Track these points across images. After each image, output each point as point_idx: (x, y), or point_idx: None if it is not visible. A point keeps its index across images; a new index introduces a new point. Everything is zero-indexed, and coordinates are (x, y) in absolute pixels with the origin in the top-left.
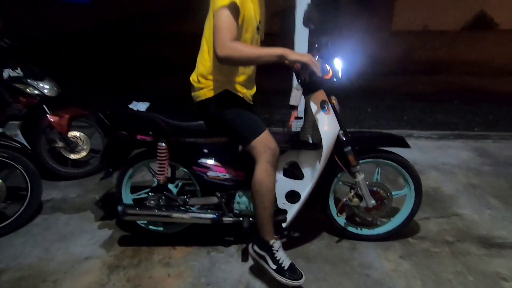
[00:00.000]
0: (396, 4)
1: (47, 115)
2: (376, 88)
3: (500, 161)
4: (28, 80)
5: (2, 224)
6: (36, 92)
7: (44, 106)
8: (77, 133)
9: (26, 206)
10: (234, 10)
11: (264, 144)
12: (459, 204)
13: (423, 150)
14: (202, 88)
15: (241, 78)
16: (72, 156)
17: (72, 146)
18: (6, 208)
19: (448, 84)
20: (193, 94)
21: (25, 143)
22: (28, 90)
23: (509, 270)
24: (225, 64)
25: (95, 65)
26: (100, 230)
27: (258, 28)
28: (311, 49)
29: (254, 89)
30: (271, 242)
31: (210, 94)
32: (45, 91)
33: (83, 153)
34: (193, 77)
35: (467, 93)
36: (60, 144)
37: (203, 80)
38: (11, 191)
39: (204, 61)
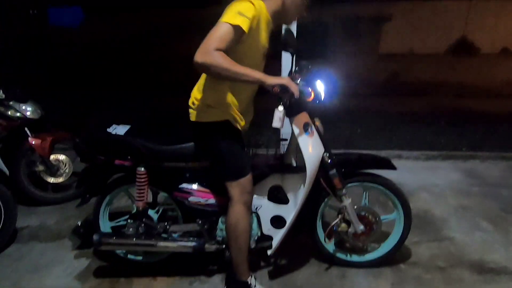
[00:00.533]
0: (383, 28)
1: (28, 138)
2: (365, 109)
3: (489, 182)
4: (10, 103)
5: None
6: (17, 114)
7: (26, 129)
8: (59, 156)
9: None
10: (237, 32)
11: (243, 187)
12: (450, 227)
13: (412, 171)
14: (201, 110)
15: (240, 106)
16: (53, 180)
17: (53, 169)
18: None
19: (434, 105)
20: (190, 111)
21: (3, 167)
22: (9, 113)
23: None
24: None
25: (86, 84)
26: (77, 260)
27: (264, 54)
28: (292, 72)
29: (251, 117)
30: (248, 280)
31: (208, 118)
32: (28, 113)
33: (64, 177)
34: (195, 95)
35: (453, 114)
36: (40, 167)
37: (202, 102)
38: None
39: (208, 83)
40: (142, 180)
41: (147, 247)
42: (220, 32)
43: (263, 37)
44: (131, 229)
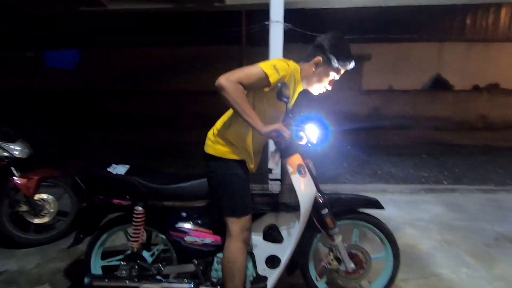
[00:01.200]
0: (364, 66)
1: (14, 178)
2: (350, 144)
3: (470, 215)
4: None
5: None
6: (5, 154)
7: (12, 168)
8: (44, 196)
9: None
10: (264, 79)
11: (243, 225)
12: (436, 263)
13: (398, 206)
14: (220, 144)
15: (255, 148)
16: (36, 221)
17: (37, 209)
18: None
19: (415, 138)
20: (208, 143)
21: None
22: None
23: None
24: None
25: (80, 122)
26: None
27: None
28: (286, 119)
29: (260, 160)
30: None
31: (226, 155)
32: (15, 153)
33: (49, 217)
34: (217, 128)
35: (433, 147)
36: (24, 207)
37: (223, 137)
38: None
39: (233, 120)
40: (139, 219)
41: None
42: (251, 71)
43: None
44: (124, 271)
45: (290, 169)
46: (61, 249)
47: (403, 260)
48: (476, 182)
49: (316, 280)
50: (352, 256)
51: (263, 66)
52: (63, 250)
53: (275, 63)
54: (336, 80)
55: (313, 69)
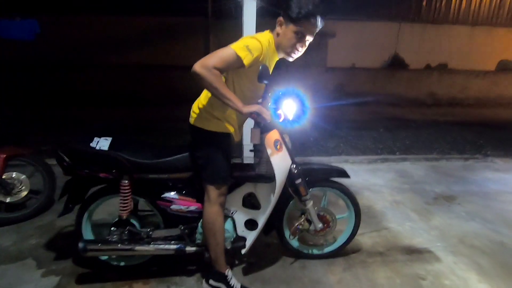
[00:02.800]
0: (329, 44)
1: None
2: (316, 119)
3: (416, 180)
4: None
5: None
6: None
7: None
8: (13, 174)
9: None
10: (238, 61)
11: (221, 191)
12: (387, 219)
13: (357, 174)
14: (205, 118)
15: (238, 122)
16: (8, 199)
17: (8, 188)
18: None
19: (374, 114)
20: (192, 114)
21: None
22: None
23: (425, 271)
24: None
25: (39, 94)
26: (45, 278)
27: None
28: (265, 97)
29: (240, 137)
30: (226, 272)
31: (212, 128)
32: None
33: (21, 195)
34: (201, 102)
35: (389, 122)
36: None
37: (208, 112)
38: None
39: (213, 98)
40: (126, 191)
41: (131, 251)
42: (224, 55)
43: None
44: (115, 236)
45: (268, 143)
46: (36, 226)
47: (361, 218)
48: (422, 152)
49: (289, 238)
50: (320, 217)
51: (236, 48)
52: (40, 227)
53: (248, 43)
54: (302, 58)
55: (278, 32)
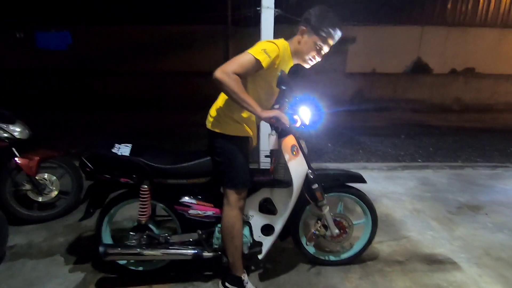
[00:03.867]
0: (349, 50)
1: (15, 158)
2: (334, 125)
3: (438, 188)
4: None
5: None
6: (5, 135)
7: (13, 149)
8: (46, 175)
9: None
10: (257, 65)
11: (241, 196)
12: (407, 228)
13: (376, 181)
14: (224, 122)
15: (256, 126)
16: (40, 199)
17: (40, 188)
18: None
19: (395, 120)
20: (210, 119)
21: None
22: None
23: (447, 282)
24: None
25: (66, 99)
26: (72, 274)
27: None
28: (283, 104)
29: (256, 141)
30: (242, 276)
31: (231, 132)
32: (16, 134)
33: (52, 195)
34: (219, 105)
35: (411, 128)
36: (27, 186)
37: (227, 116)
38: None
39: (232, 102)
40: (146, 196)
41: (150, 256)
42: (243, 60)
43: (286, 70)
44: (134, 241)
45: (284, 149)
46: (65, 225)
47: (379, 226)
48: (446, 160)
49: (306, 244)
50: (337, 223)
51: (254, 53)
52: (68, 226)
53: (264, 47)
54: (321, 64)
55: (299, 40)
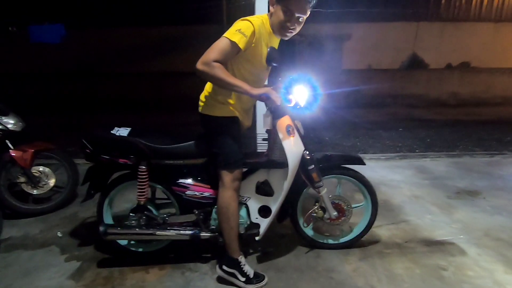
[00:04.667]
0: (344, 46)
1: (9, 150)
2: (331, 120)
3: (436, 175)
4: None
5: None
6: None
7: (7, 141)
8: (40, 168)
9: None
10: (234, 47)
11: (235, 176)
12: (406, 212)
13: (373, 170)
14: (211, 105)
15: (244, 106)
16: (35, 192)
17: (35, 181)
18: None
19: (392, 115)
20: (200, 104)
21: None
22: None
23: (446, 262)
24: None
25: (64, 101)
26: (67, 262)
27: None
28: (276, 83)
29: (251, 118)
30: (239, 258)
31: (218, 113)
32: (9, 126)
33: (47, 188)
34: (207, 89)
35: (408, 122)
36: (22, 179)
37: (213, 98)
38: None
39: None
40: (144, 176)
41: (149, 236)
42: (220, 46)
43: (264, 50)
44: (133, 221)
45: (280, 129)
46: (61, 217)
47: (377, 212)
48: (444, 150)
49: (304, 226)
50: (335, 206)
51: (229, 35)
52: (63, 218)
53: (239, 27)
54: (317, 61)
55: (272, 12)
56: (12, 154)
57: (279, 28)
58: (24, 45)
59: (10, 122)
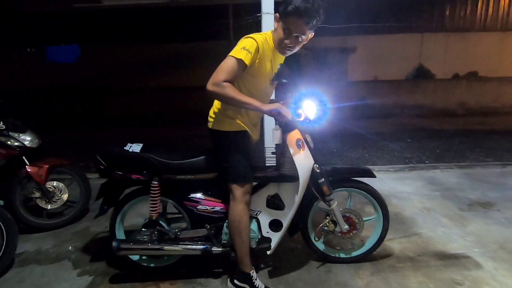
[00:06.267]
0: (349, 59)
1: (26, 166)
2: (338, 132)
3: (447, 187)
4: (10, 133)
5: None
6: (16, 143)
7: (23, 157)
8: (54, 183)
9: None
10: (240, 65)
11: (246, 190)
12: (418, 225)
13: (383, 182)
14: (220, 120)
15: (252, 120)
16: (49, 207)
17: (49, 196)
18: None
19: (400, 126)
20: (210, 119)
21: None
22: (9, 142)
23: (461, 276)
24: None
25: (75, 116)
26: (80, 277)
27: (273, 79)
28: (285, 98)
29: (259, 132)
30: (251, 273)
31: (227, 128)
32: (26, 142)
33: (60, 203)
34: (216, 105)
35: (416, 132)
36: (37, 194)
37: (222, 113)
38: None
39: None
40: (156, 191)
41: (161, 251)
42: (227, 65)
43: (268, 66)
44: (145, 236)
45: (290, 143)
46: (73, 231)
47: (389, 225)
48: (454, 160)
49: (315, 240)
50: (346, 219)
51: (235, 54)
52: (75, 233)
53: (243, 45)
54: (322, 73)
55: (275, 27)
56: (28, 170)
57: (278, 45)
58: (39, 64)
59: (27, 139)
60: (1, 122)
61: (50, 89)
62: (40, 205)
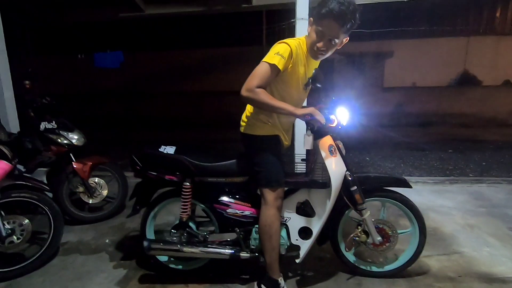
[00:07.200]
0: (386, 64)
1: (72, 163)
2: (372, 140)
3: (495, 203)
4: (60, 132)
5: (22, 265)
6: (65, 141)
7: (70, 154)
8: (96, 179)
9: (47, 247)
10: (274, 70)
11: (277, 194)
12: (459, 243)
13: (420, 194)
14: (253, 124)
15: (284, 126)
16: (91, 201)
17: (91, 191)
18: (26, 249)
19: (440, 135)
20: (242, 124)
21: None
22: (59, 140)
23: None
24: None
25: (115, 118)
26: (115, 269)
27: (307, 84)
28: (319, 103)
29: (291, 138)
30: (279, 280)
31: (260, 132)
32: (74, 141)
33: (100, 198)
34: (249, 110)
35: (459, 143)
36: (80, 189)
37: (255, 118)
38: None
39: None
40: (187, 193)
41: (190, 253)
42: (261, 71)
43: (301, 71)
44: (175, 238)
45: (322, 149)
46: (111, 226)
47: (426, 240)
48: (503, 174)
49: (345, 250)
50: (379, 230)
51: (268, 59)
52: (113, 227)
53: (277, 50)
54: (357, 79)
55: (308, 32)
56: (74, 166)
57: (311, 48)
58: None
59: (74, 138)
60: (54, 122)
61: (94, 94)
62: (83, 199)
